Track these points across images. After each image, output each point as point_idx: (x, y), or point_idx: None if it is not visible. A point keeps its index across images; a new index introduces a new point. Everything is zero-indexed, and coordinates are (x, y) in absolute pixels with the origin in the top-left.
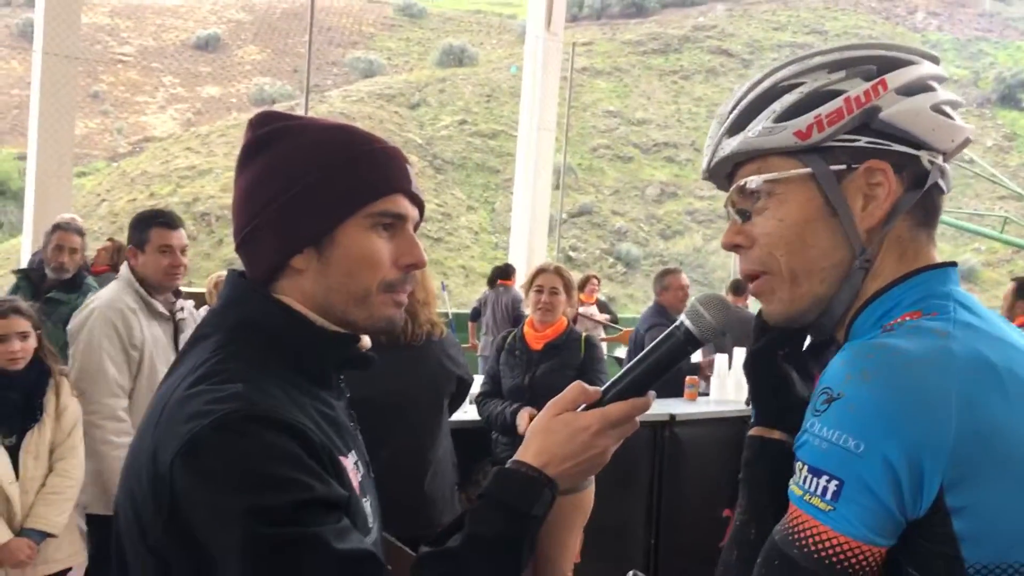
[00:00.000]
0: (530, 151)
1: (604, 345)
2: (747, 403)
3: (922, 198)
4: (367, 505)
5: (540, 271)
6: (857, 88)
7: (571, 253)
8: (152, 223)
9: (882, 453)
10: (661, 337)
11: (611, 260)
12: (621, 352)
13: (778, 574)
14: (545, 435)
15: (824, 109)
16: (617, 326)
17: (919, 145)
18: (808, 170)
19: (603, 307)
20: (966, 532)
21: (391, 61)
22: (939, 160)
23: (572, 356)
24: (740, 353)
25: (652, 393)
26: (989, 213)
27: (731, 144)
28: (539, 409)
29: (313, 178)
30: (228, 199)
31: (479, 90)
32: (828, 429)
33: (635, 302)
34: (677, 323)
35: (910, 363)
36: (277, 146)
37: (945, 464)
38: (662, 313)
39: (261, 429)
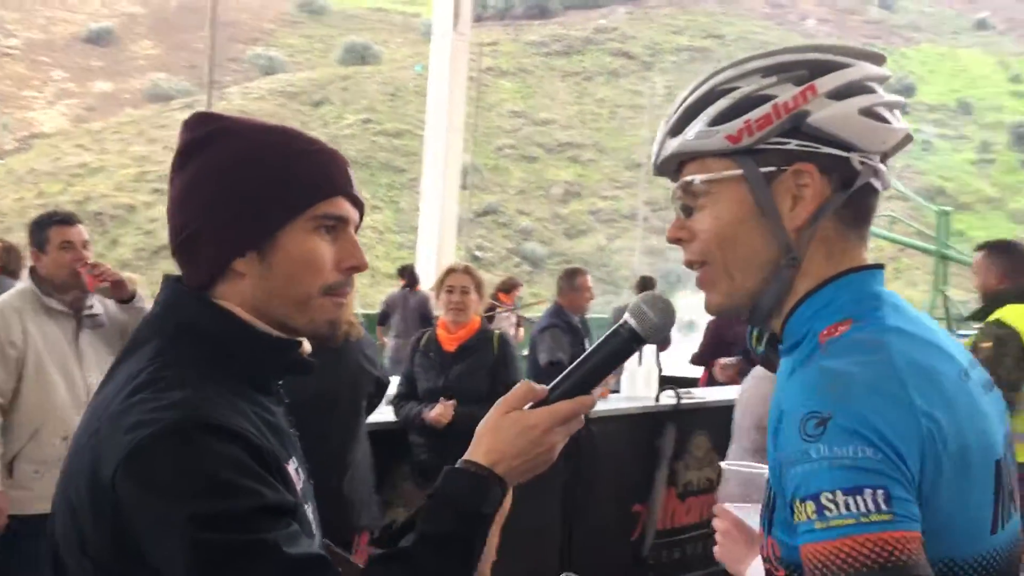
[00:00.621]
0: (438, 151)
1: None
2: (656, 399)
3: (852, 198)
4: (309, 511)
5: (450, 271)
6: (786, 93)
7: (477, 252)
8: (50, 223)
9: (895, 455)
10: (605, 336)
11: (517, 259)
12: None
13: None
14: (494, 433)
15: (753, 114)
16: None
17: (849, 147)
18: (740, 172)
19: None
20: (926, 528)
21: (293, 58)
22: (873, 161)
23: (485, 356)
24: (649, 350)
25: (597, 391)
26: (878, 214)
27: (672, 144)
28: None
29: (255, 180)
30: (122, 197)
31: (383, 89)
32: (838, 447)
33: (539, 300)
34: (621, 322)
35: (862, 379)
36: (215, 148)
37: (919, 465)
38: (559, 314)
39: (206, 436)
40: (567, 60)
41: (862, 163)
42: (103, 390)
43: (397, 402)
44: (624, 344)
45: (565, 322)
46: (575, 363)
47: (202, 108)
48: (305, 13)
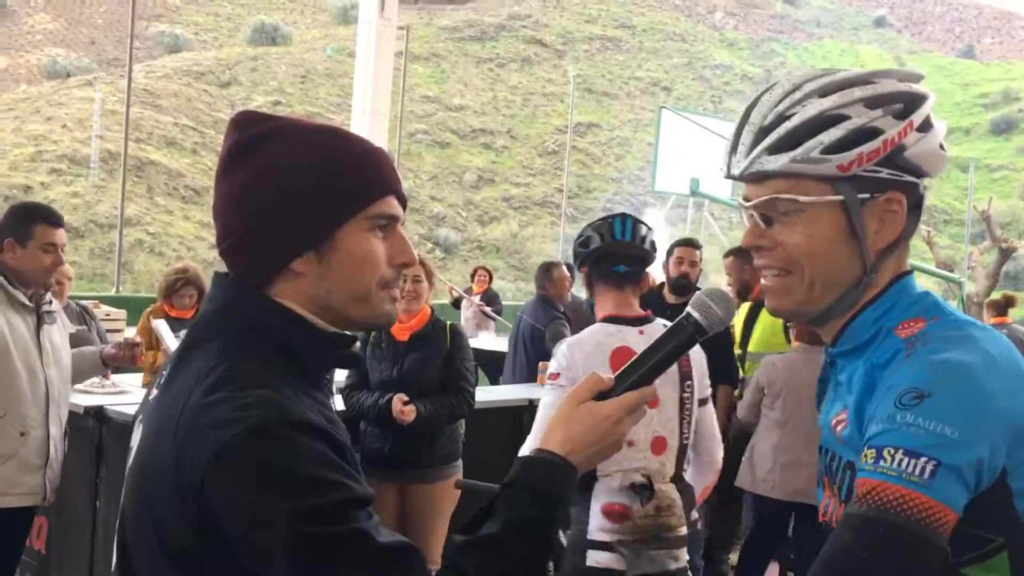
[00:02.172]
0: (362, 135)
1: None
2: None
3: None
4: None
5: None
6: (892, 129)
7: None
8: (36, 219)
9: (972, 440)
10: (669, 329)
11: (429, 245)
12: (495, 342)
13: (885, 539)
14: (568, 424)
15: (866, 148)
16: (500, 318)
17: (922, 175)
18: (841, 198)
19: (492, 299)
20: (1018, 488)
21: (199, 37)
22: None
23: (438, 346)
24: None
25: (655, 384)
26: None
27: (775, 163)
28: (409, 400)
29: (312, 182)
30: (16, 178)
31: (294, 70)
32: (924, 420)
33: None
34: (685, 315)
35: (977, 371)
36: (269, 148)
37: (1010, 445)
38: (552, 305)
39: (293, 433)
40: (480, 46)
41: (924, 188)
42: (168, 389)
43: (347, 392)
44: (688, 337)
45: (561, 313)
46: (640, 354)
47: (103, 86)
48: None
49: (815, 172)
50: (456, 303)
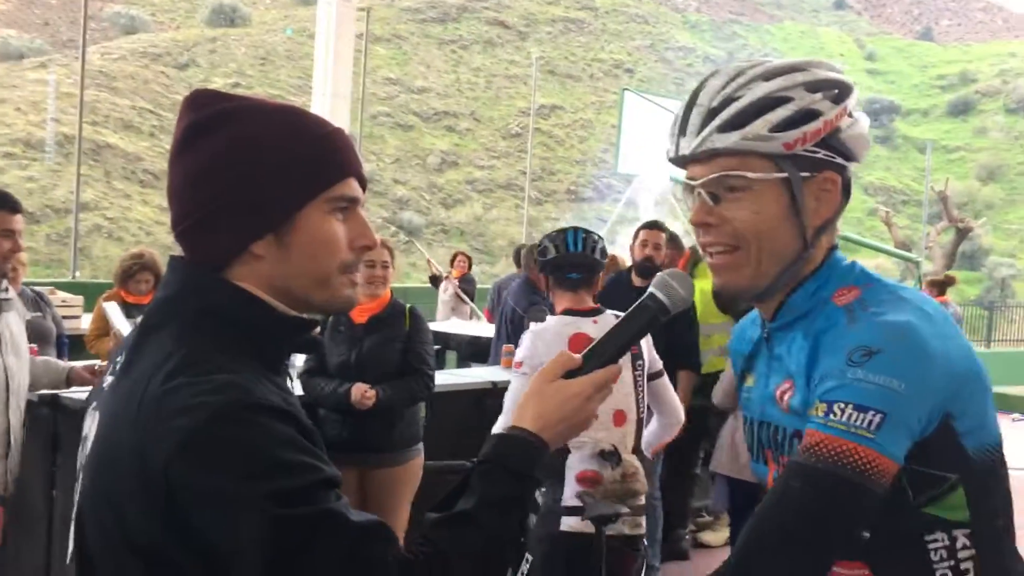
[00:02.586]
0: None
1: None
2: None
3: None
4: None
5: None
6: (830, 112)
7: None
8: None
9: (918, 392)
10: (633, 309)
11: (393, 229)
12: (467, 326)
13: (831, 489)
14: (540, 401)
15: (809, 128)
16: (472, 303)
17: (851, 158)
18: (785, 175)
19: (469, 284)
20: (963, 429)
21: (156, 18)
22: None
23: (397, 329)
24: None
25: (621, 361)
26: None
27: (724, 140)
28: (369, 383)
29: (273, 163)
30: None
31: (253, 52)
32: (874, 375)
33: (418, 270)
34: (648, 295)
35: (919, 328)
36: (227, 129)
37: (952, 392)
38: (534, 290)
39: (259, 416)
40: (443, 28)
41: (851, 171)
42: (124, 376)
43: (306, 377)
44: (652, 316)
45: (541, 297)
46: (606, 334)
47: (58, 68)
48: None
49: (763, 149)
50: (435, 280)
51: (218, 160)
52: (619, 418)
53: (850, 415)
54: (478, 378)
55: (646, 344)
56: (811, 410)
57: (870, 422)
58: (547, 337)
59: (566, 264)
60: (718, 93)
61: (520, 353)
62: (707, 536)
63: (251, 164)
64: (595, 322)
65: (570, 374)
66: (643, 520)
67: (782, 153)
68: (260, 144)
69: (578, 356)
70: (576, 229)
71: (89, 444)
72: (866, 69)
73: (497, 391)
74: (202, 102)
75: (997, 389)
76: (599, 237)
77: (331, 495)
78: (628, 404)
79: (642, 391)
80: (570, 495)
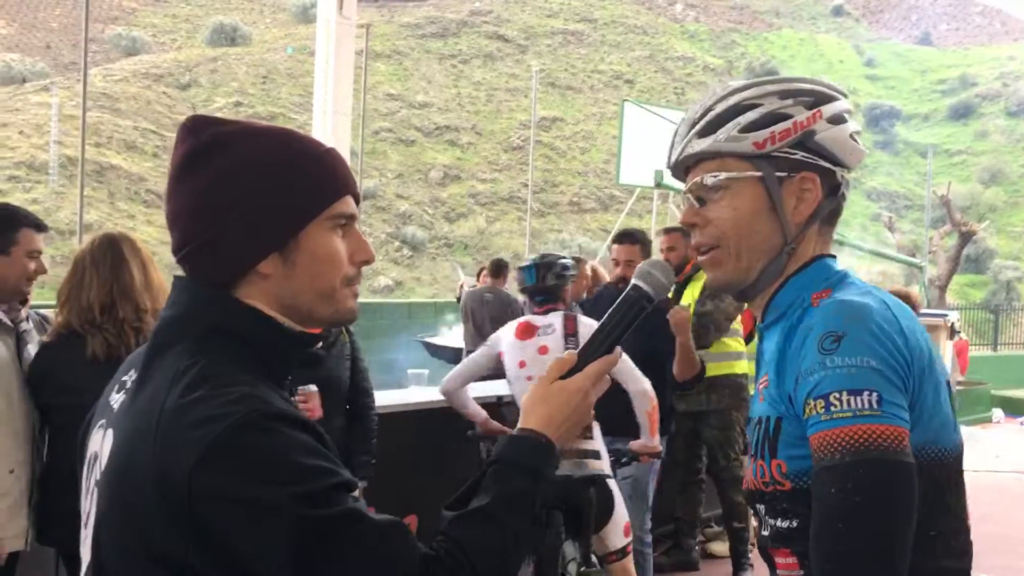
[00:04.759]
0: (325, 136)
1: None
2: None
3: (836, 203)
4: None
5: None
6: (801, 114)
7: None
8: (20, 223)
9: (888, 365)
10: (619, 301)
11: (397, 244)
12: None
13: (868, 478)
14: (544, 403)
15: (778, 128)
16: None
17: (838, 163)
18: (759, 173)
19: None
20: (918, 418)
21: (157, 39)
22: (846, 175)
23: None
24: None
25: (618, 349)
26: None
27: (701, 144)
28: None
29: (272, 186)
30: None
31: (254, 71)
32: (849, 358)
33: (422, 285)
34: (632, 286)
35: (873, 309)
36: (224, 154)
37: (915, 372)
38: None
39: (279, 425)
40: (443, 43)
41: (842, 177)
42: (139, 394)
43: None
44: (637, 304)
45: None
46: (596, 330)
47: (60, 90)
48: None
49: (735, 150)
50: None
51: (218, 185)
52: None
53: (849, 401)
54: (484, 392)
55: (584, 325)
56: (807, 412)
57: (869, 401)
58: (507, 328)
59: (532, 291)
60: (701, 107)
61: (491, 338)
62: (716, 547)
63: (252, 187)
64: (545, 313)
65: (568, 373)
66: (594, 463)
67: (755, 153)
68: (259, 167)
69: (571, 355)
70: (531, 265)
71: (103, 461)
72: (865, 75)
73: (502, 403)
74: (199, 127)
75: (1004, 393)
76: (554, 261)
77: (350, 497)
78: None
79: None
80: None
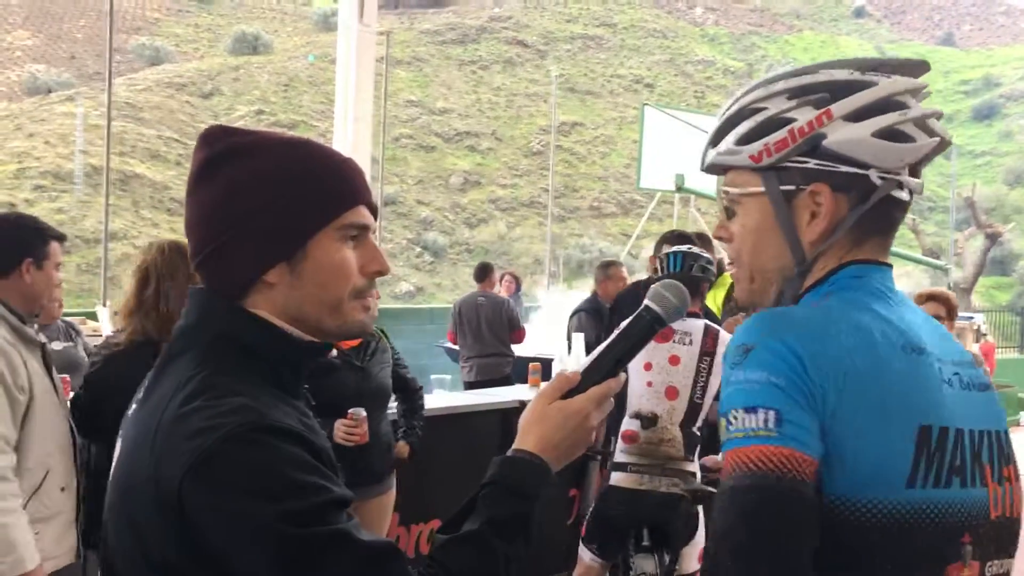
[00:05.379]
0: (346, 143)
1: None
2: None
3: (873, 209)
4: None
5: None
6: (803, 117)
7: (378, 243)
8: (50, 235)
9: (793, 384)
10: (628, 322)
11: (418, 250)
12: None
13: (756, 504)
14: (541, 423)
15: (771, 138)
16: None
17: (865, 166)
18: (762, 189)
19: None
20: (836, 452)
21: (179, 48)
22: (896, 175)
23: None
24: (578, 339)
25: (623, 374)
26: None
27: (710, 155)
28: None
29: (283, 194)
30: (0, 195)
31: (276, 79)
32: (750, 372)
33: (443, 291)
34: (643, 307)
35: (795, 318)
36: (239, 162)
37: (836, 392)
38: (591, 300)
39: (272, 438)
40: (462, 49)
41: (881, 179)
42: (146, 402)
43: None
44: (647, 328)
45: (594, 308)
46: (602, 348)
47: (85, 100)
48: (192, 1)
49: (736, 163)
50: None
51: (231, 192)
52: (671, 392)
53: (744, 419)
54: (504, 397)
55: (723, 348)
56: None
57: (765, 420)
58: None
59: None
60: (720, 112)
61: None
62: None
63: (262, 195)
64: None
65: (570, 392)
66: (689, 481)
67: (756, 166)
68: (271, 176)
69: (576, 374)
70: (678, 253)
71: (113, 469)
72: None
73: (524, 409)
74: (214, 138)
75: None
76: (699, 253)
77: (341, 516)
78: (684, 383)
79: (703, 381)
80: (618, 450)
